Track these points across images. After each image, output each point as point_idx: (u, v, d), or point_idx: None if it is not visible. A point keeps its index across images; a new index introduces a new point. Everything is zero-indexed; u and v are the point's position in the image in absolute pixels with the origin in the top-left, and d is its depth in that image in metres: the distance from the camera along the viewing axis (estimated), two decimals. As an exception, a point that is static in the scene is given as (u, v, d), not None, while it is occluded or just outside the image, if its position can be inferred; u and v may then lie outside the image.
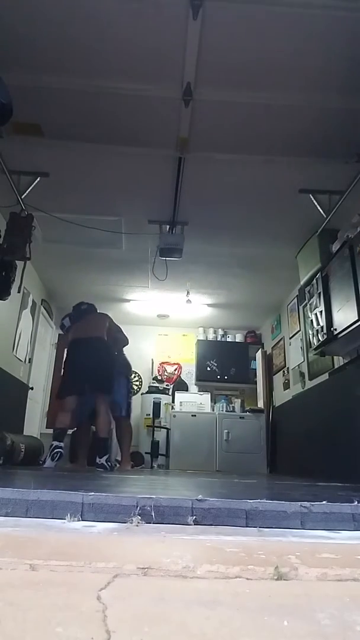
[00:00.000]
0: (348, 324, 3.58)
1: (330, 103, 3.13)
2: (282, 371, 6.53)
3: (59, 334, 5.88)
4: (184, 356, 7.81)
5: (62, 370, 4.60)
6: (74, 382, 4.24)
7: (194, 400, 7.13)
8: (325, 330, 3.98)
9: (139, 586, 0.84)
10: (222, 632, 0.65)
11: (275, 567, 0.93)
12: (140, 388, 7.52)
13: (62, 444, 4.00)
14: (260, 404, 7.04)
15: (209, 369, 7.48)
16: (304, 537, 1.31)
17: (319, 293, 4.17)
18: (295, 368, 5.94)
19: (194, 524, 1.38)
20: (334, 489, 2.72)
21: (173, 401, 7.20)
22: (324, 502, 1.49)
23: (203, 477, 3.97)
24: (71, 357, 4.34)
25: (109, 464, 4.16)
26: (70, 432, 6.09)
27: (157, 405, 6.96)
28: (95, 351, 4.33)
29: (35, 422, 6.56)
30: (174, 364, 7.88)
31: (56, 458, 3.92)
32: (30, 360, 6.02)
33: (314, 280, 4.32)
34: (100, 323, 4.60)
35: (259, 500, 1.45)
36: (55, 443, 3.99)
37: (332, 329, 3.90)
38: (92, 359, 4.27)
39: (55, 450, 3.93)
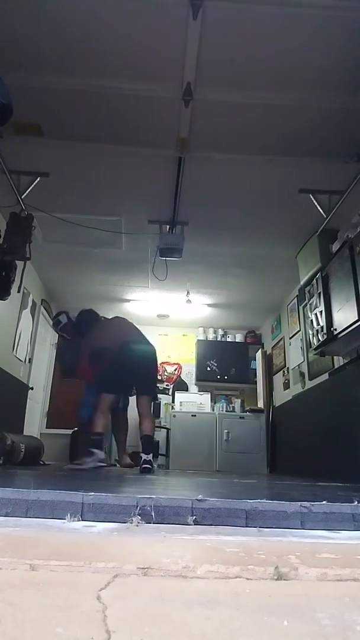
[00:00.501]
0: (348, 324, 3.58)
1: (330, 103, 3.13)
2: (282, 371, 6.53)
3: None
4: (184, 356, 7.81)
5: (98, 365, 4.31)
6: (124, 380, 4.23)
7: (194, 400, 7.13)
8: (325, 330, 3.98)
9: (139, 586, 0.84)
10: (222, 632, 0.65)
11: (275, 567, 0.93)
12: (140, 388, 7.51)
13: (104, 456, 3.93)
14: (260, 404, 7.04)
15: (209, 369, 7.47)
16: (304, 537, 1.31)
17: (319, 293, 4.16)
18: (295, 368, 5.94)
19: (194, 524, 1.38)
20: (334, 489, 2.72)
21: (173, 401, 7.20)
22: (324, 502, 1.49)
23: (203, 477, 3.96)
24: (124, 356, 4.22)
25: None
26: (70, 431, 6.13)
27: (157, 405, 6.95)
28: (148, 353, 4.36)
29: (35, 422, 6.56)
30: (174, 364, 7.88)
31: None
32: (30, 360, 6.02)
33: (314, 280, 4.32)
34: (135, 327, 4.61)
35: (259, 500, 1.45)
36: (101, 455, 3.90)
37: (332, 329, 3.90)
38: (147, 361, 4.31)
39: (101, 465, 3.84)
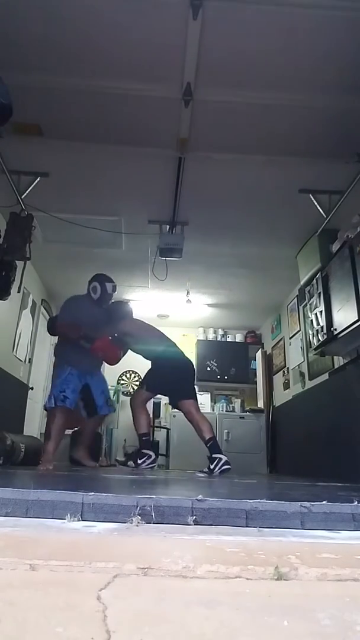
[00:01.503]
0: (348, 324, 3.59)
1: (330, 103, 3.13)
2: (282, 371, 6.53)
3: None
4: (184, 356, 7.80)
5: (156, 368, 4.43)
6: (171, 384, 4.30)
7: (194, 400, 7.11)
8: (325, 330, 3.98)
9: (139, 586, 0.84)
10: (222, 632, 0.65)
11: (275, 567, 0.93)
12: (140, 388, 7.49)
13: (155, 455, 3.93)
14: (260, 404, 7.04)
15: (209, 369, 7.47)
16: (304, 537, 1.31)
17: (319, 293, 4.17)
18: (295, 368, 5.94)
19: (194, 524, 1.38)
20: (334, 489, 2.72)
21: (173, 401, 7.19)
22: (324, 502, 1.49)
23: (203, 477, 3.95)
24: (174, 362, 4.35)
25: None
26: (71, 431, 6.10)
27: (157, 405, 6.95)
28: (190, 362, 4.57)
29: (35, 422, 6.55)
30: (174, 363, 7.86)
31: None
32: (30, 360, 6.03)
33: (314, 280, 4.32)
34: None
35: (259, 500, 1.45)
36: (152, 455, 3.92)
37: (332, 329, 3.90)
38: (191, 368, 4.52)
39: (152, 466, 3.87)
